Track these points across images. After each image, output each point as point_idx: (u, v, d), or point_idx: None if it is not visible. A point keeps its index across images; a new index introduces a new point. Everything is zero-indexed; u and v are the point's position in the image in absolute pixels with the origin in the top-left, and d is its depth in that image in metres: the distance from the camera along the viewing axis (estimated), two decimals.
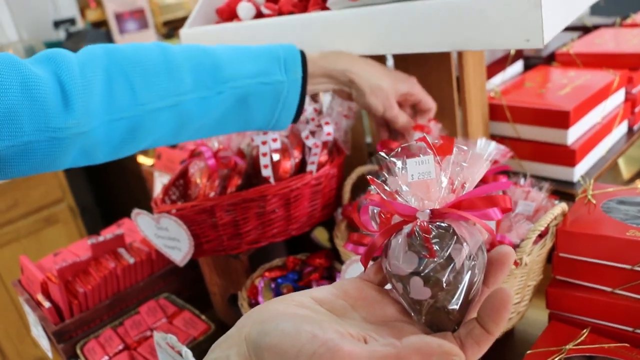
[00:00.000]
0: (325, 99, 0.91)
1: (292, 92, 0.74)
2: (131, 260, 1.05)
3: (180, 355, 0.73)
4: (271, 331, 0.37)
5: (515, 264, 0.67)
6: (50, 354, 1.09)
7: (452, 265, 0.40)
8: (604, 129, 1.13)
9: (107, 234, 1.12)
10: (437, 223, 0.41)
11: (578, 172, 1.05)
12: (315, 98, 0.95)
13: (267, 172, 0.83)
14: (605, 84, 1.11)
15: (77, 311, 1.01)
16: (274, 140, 0.84)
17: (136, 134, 0.66)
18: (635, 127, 1.25)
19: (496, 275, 0.42)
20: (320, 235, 1.05)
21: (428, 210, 0.42)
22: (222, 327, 0.99)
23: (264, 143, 0.84)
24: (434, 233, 0.41)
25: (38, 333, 1.11)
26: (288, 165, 0.86)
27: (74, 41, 3.17)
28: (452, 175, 0.43)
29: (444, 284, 0.39)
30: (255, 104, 0.72)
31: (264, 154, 0.83)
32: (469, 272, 0.40)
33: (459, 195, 0.42)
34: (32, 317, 1.10)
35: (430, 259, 0.40)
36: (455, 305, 0.40)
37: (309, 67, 0.76)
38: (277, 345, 0.37)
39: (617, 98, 1.18)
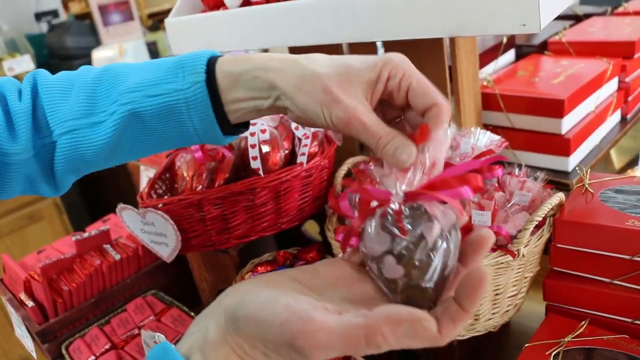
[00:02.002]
0: None
1: (196, 99, 0.54)
2: (117, 257, 1.02)
3: None
4: (248, 303, 0.40)
5: (512, 255, 0.66)
6: (34, 355, 1.06)
7: (423, 243, 0.41)
8: (598, 118, 1.11)
9: (92, 230, 1.08)
10: (410, 204, 0.43)
11: (573, 161, 1.03)
12: None
13: (256, 164, 0.80)
14: (599, 72, 1.10)
15: (62, 310, 0.98)
16: (263, 131, 0.82)
17: (54, 163, 0.60)
18: (629, 116, 1.24)
19: (474, 256, 0.42)
20: (311, 228, 1.03)
21: (401, 193, 0.44)
22: None
23: (252, 134, 0.81)
24: (406, 213, 0.42)
25: (22, 333, 1.08)
26: (277, 157, 0.83)
27: (56, 34, 3.11)
28: (422, 159, 0.45)
29: (416, 262, 0.40)
30: (152, 120, 0.57)
31: (253, 146, 0.80)
32: (442, 250, 0.41)
33: (431, 177, 0.45)
34: (15, 317, 1.07)
35: (402, 238, 0.41)
36: (429, 283, 0.41)
37: (217, 75, 0.54)
38: (253, 315, 0.39)
39: (611, 87, 1.17)
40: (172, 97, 0.55)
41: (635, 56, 1.20)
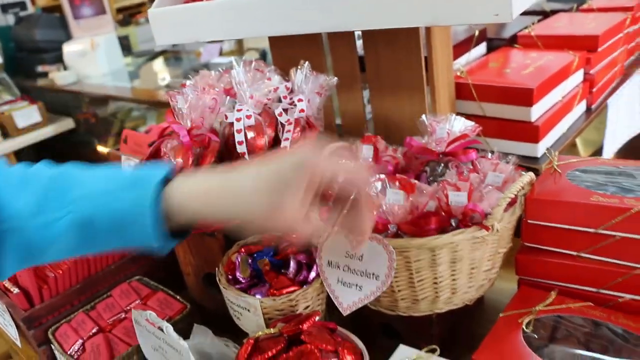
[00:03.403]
0: (298, 76, 0.92)
1: (143, 216, 0.58)
2: None
3: (162, 330, 0.73)
4: None
5: (487, 229, 0.70)
6: (18, 343, 1.06)
7: None
8: (565, 107, 1.17)
9: None
10: None
11: (541, 148, 1.08)
12: (287, 75, 0.96)
13: (242, 149, 0.83)
14: (566, 64, 1.15)
15: (48, 296, 0.99)
16: (248, 117, 0.84)
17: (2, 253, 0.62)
18: (594, 106, 1.30)
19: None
20: None
21: None
22: (197, 307, 0.99)
23: (238, 120, 0.84)
24: None
25: (4, 322, 1.08)
26: (262, 142, 0.86)
27: (24, 26, 3.06)
28: None
29: None
30: (102, 227, 0.60)
31: (239, 131, 0.83)
32: None
33: None
34: None
35: None
36: None
37: (167, 199, 0.59)
38: None
39: (577, 78, 1.23)
40: (121, 209, 0.58)
41: (599, 49, 1.26)
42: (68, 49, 2.94)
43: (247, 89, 0.89)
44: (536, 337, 0.70)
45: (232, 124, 0.88)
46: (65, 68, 2.93)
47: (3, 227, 0.59)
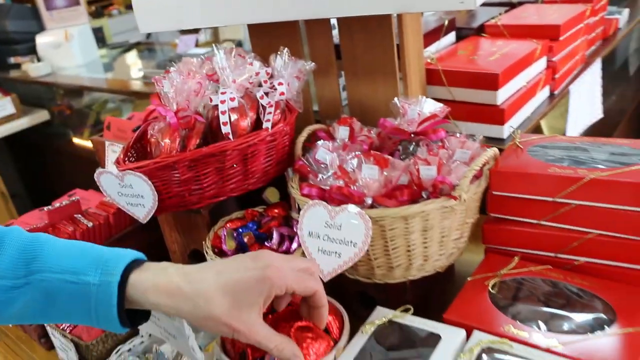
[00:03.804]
0: (278, 61, 0.97)
1: (104, 298, 0.61)
2: (89, 224, 1.07)
3: None
4: None
5: (455, 198, 0.76)
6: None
7: None
8: (529, 92, 1.25)
9: (63, 200, 1.13)
10: None
11: (507, 130, 1.15)
12: (266, 62, 1.00)
13: (226, 129, 0.88)
14: (529, 51, 1.23)
15: None
16: (232, 99, 0.89)
17: None
18: (557, 92, 1.38)
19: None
20: (271, 195, 1.11)
21: None
22: None
23: (222, 102, 0.88)
24: None
25: None
26: (245, 123, 0.91)
27: None
28: None
29: None
30: (62, 302, 0.63)
31: (223, 112, 0.88)
32: None
33: None
34: None
35: None
36: None
37: (128, 287, 0.62)
38: None
39: (540, 65, 1.30)
40: (84, 288, 0.61)
41: (561, 38, 1.34)
42: (41, 40, 2.92)
43: (230, 73, 0.93)
44: (501, 297, 0.77)
45: (216, 106, 0.92)
46: (38, 60, 2.92)
47: None
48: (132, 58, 3.00)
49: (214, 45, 1.03)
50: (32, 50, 2.98)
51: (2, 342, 1.25)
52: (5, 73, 3.00)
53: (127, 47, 3.15)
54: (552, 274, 0.79)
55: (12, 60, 2.95)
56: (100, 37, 3.16)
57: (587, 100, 1.61)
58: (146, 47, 3.26)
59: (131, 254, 0.65)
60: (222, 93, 0.89)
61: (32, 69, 2.76)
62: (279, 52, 0.98)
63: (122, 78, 2.60)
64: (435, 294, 0.93)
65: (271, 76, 0.98)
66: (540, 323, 0.71)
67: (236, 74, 0.94)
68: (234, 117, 0.90)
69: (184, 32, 2.58)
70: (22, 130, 2.82)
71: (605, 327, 0.69)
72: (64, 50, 2.85)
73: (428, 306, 0.91)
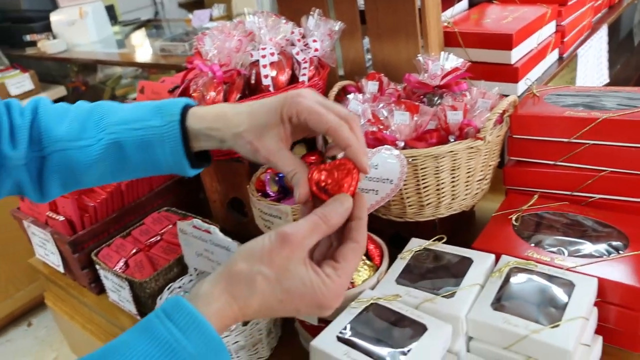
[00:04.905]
0: (310, 21, 1.04)
1: (169, 136, 0.67)
2: None
3: (209, 232, 0.86)
4: (239, 247, 0.56)
5: (481, 139, 0.84)
6: (62, 269, 1.18)
7: None
8: (540, 54, 1.32)
9: None
10: None
11: (520, 87, 1.23)
12: (299, 23, 1.08)
13: (267, 82, 0.96)
14: (540, 15, 1.30)
15: (88, 223, 1.11)
16: (272, 54, 0.97)
17: (43, 175, 0.72)
18: (565, 55, 1.46)
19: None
20: (298, 151, 1.18)
21: None
22: (223, 232, 1.12)
23: (263, 57, 0.96)
24: None
25: (46, 252, 1.20)
26: (283, 78, 0.99)
27: None
28: None
29: None
30: (134, 151, 0.69)
31: (264, 66, 0.95)
32: None
33: None
34: (38, 238, 1.19)
35: None
36: None
37: (188, 121, 0.68)
38: (243, 249, 0.55)
39: (550, 28, 1.37)
40: (150, 132, 0.68)
41: (569, 3, 1.41)
42: (56, 17, 2.98)
43: (267, 32, 1.01)
44: (523, 229, 0.85)
45: (253, 63, 1.00)
46: (54, 37, 2.97)
47: (49, 150, 0.70)
48: (145, 34, 3.06)
49: (245, 9, 1.11)
50: (46, 28, 3.03)
51: (50, 291, 1.34)
52: (22, 51, 3.05)
53: (139, 24, 3.20)
54: (569, 209, 0.87)
55: (28, 37, 3.00)
56: (112, 15, 3.21)
57: (594, 64, 1.68)
58: (156, 23, 3.32)
59: (183, 99, 0.71)
60: (262, 49, 0.97)
61: (49, 46, 2.82)
62: (310, 13, 1.05)
63: (138, 52, 2.67)
64: (461, 229, 1.02)
65: (303, 36, 1.06)
66: (561, 249, 0.79)
67: (272, 33, 1.01)
68: (273, 72, 0.98)
69: (197, 6, 2.64)
70: None
71: (619, 251, 0.77)
72: (79, 27, 2.90)
73: (455, 242, 1.00)
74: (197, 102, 0.72)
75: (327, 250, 0.60)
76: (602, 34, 1.71)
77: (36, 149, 0.70)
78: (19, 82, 2.74)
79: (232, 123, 0.65)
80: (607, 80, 1.77)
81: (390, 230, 1.00)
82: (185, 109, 0.69)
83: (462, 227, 1.03)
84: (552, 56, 1.41)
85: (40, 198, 0.74)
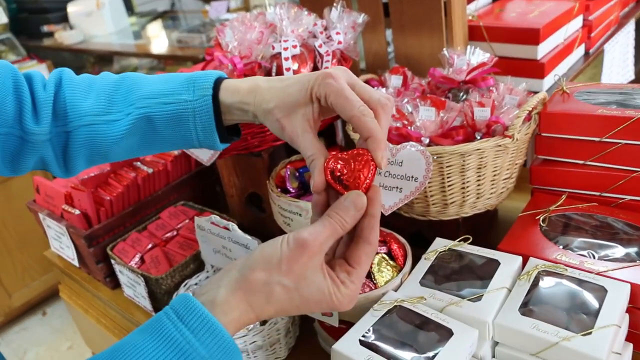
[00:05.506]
0: (333, 13, 1.01)
1: (202, 110, 0.65)
2: (149, 170, 1.14)
3: (228, 229, 0.84)
4: (255, 251, 0.54)
5: (509, 137, 0.81)
6: (76, 262, 1.17)
7: None
8: (566, 49, 1.28)
9: None
10: None
11: (546, 83, 1.20)
12: (320, 14, 1.05)
13: (289, 75, 0.93)
14: (567, 9, 1.26)
15: (104, 217, 1.09)
16: (294, 46, 0.94)
17: (68, 150, 0.69)
18: (591, 51, 1.41)
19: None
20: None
21: None
22: (240, 227, 1.10)
23: (285, 49, 0.93)
24: None
25: (61, 245, 1.19)
26: (306, 70, 0.96)
27: None
28: None
29: None
30: (164, 125, 0.67)
31: (286, 59, 0.93)
32: None
33: None
34: (54, 231, 1.17)
35: None
36: None
37: (220, 96, 0.66)
38: (258, 254, 0.53)
39: (577, 23, 1.33)
40: (181, 106, 0.66)
41: None
42: (73, 8, 2.98)
43: (289, 24, 0.98)
44: (551, 230, 0.82)
45: (274, 56, 0.98)
46: (71, 28, 2.97)
47: (75, 124, 0.67)
48: (161, 25, 3.04)
49: (266, 1, 1.08)
50: (63, 19, 3.04)
51: (65, 284, 1.33)
52: (38, 41, 3.06)
53: (156, 15, 3.19)
54: (597, 210, 0.84)
55: (46, 28, 3.01)
56: (128, 6, 3.21)
57: (620, 60, 1.64)
58: (173, 14, 3.30)
59: (215, 72, 0.68)
60: (285, 41, 0.94)
61: (66, 37, 2.82)
62: (334, 5, 1.02)
63: (154, 44, 2.65)
64: (484, 230, 0.99)
65: (325, 28, 1.03)
66: (590, 252, 0.76)
67: (294, 25, 0.99)
68: (294, 65, 0.95)
69: None
70: None
71: None
72: (96, 18, 2.90)
73: (478, 243, 0.97)
74: (227, 75, 0.69)
75: (336, 245, 0.59)
76: (630, 29, 1.66)
77: (61, 124, 0.67)
78: None
79: (263, 98, 0.63)
80: (632, 77, 1.73)
81: (412, 229, 0.97)
82: (217, 82, 0.67)
83: (485, 227, 1.00)
84: (579, 52, 1.37)
85: (65, 173, 0.72)
